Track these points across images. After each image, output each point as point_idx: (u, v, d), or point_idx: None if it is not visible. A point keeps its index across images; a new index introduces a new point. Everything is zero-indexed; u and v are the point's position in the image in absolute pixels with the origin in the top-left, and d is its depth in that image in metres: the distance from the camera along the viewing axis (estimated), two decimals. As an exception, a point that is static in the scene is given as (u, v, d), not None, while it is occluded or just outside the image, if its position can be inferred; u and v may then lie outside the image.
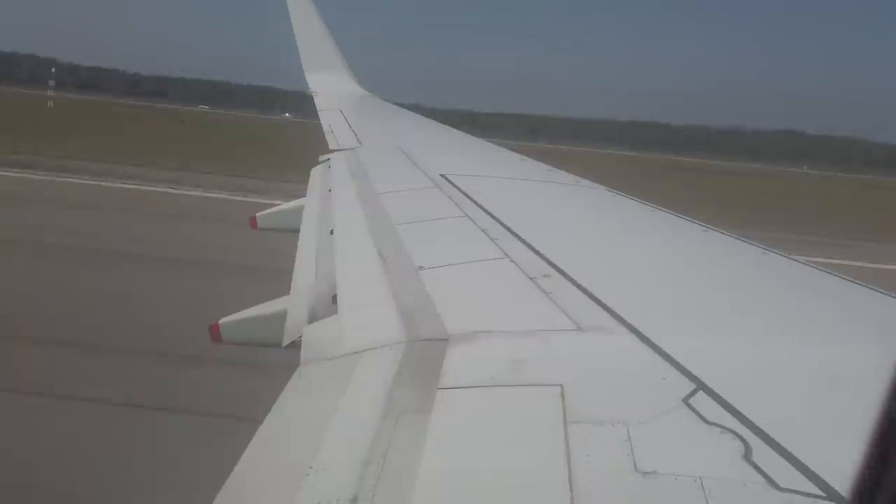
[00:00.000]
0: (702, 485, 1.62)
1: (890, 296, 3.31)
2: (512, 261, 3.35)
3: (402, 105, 17.09)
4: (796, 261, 3.91)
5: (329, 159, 7.73)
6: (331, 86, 14.30)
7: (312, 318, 3.23)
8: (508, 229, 3.92)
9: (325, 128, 9.90)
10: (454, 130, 11.70)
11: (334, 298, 3.31)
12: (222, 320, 3.95)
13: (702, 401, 1.99)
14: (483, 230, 3.92)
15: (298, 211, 6.13)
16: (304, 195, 6.60)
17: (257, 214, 7.33)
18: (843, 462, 1.74)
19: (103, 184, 31.74)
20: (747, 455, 1.73)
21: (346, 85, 15.00)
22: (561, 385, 2.10)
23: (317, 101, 13.04)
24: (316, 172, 7.47)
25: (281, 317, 3.51)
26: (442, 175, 5.64)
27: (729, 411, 1.93)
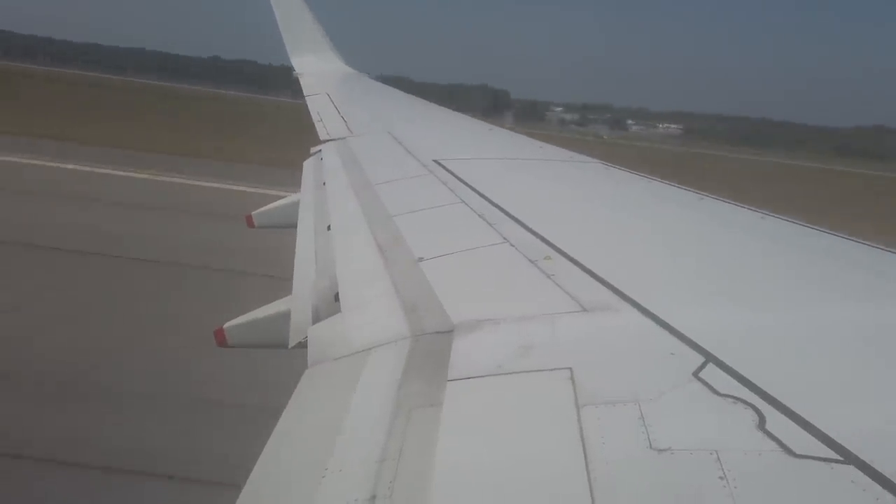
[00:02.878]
0: (718, 457, 1.62)
1: (891, 252, 3.30)
2: (512, 245, 3.33)
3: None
4: (796, 223, 3.89)
5: (321, 150, 7.68)
6: (316, 66, 14.00)
7: (316, 318, 3.22)
8: (506, 213, 3.90)
9: (314, 116, 9.72)
10: (443, 109, 11.53)
11: (337, 296, 3.30)
12: (227, 324, 3.95)
13: (712, 373, 1.99)
14: (480, 215, 3.90)
15: (294, 206, 6.10)
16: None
17: (253, 213, 7.29)
18: (858, 424, 1.75)
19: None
20: (761, 424, 1.73)
21: (331, 63, 14.58)
22: (570, 368, 2.10)
23: (303, 83, 12.80)
24: (308, 165, 7.41)
25: (285, 317, 3.50)
26: (435, 161, 5.60)
27: (740, 381, 1.93)
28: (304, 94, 11.80)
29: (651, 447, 1.68)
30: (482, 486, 1.71)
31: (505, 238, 3.44)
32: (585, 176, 5.77)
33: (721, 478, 1.56)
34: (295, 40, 14.58)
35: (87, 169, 30.16)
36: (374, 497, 1.73)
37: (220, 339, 3.96)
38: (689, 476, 1.60)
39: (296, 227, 5.22)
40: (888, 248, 3.31)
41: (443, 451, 1.80)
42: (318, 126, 9.03)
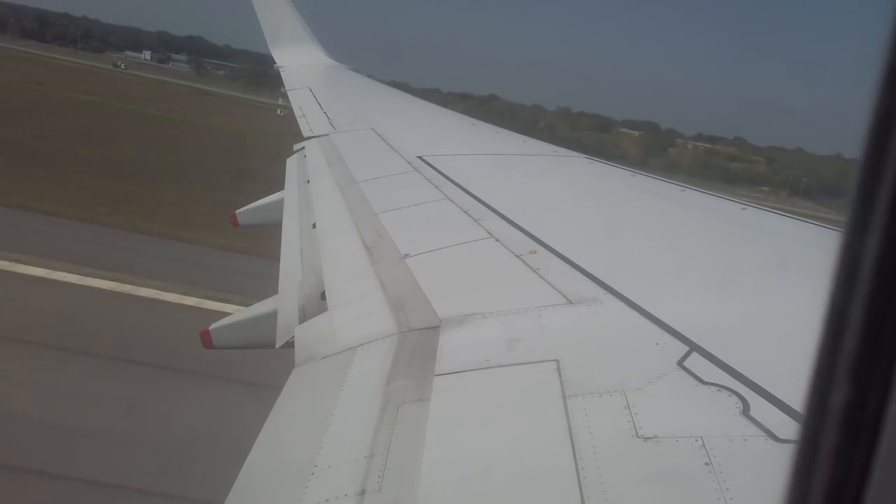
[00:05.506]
0: (703, 444, 1.64)
1: None
2: (497, 240, 3.35)
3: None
4: (777, 213, 3.94)
5: (304, 148, 7.63)
6: (297, 58, 13.44)
7: (303, 317, 3.22)
8: (490, 208, 3.91)
9: (296, 111, 9.58)
10: (425, 104, 11.43)
11: (323, 295, 3.30)
12: (213, 326, 3.93)
13: (696, 362, 2.02)
14: (465, 211, 3.91)
15: (279, 204, 6.08)
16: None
17: (237, 212, 7.24)
18: None
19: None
20: (745, 411, 1.76)
21: (313, 55, 14.18)
22: (556, 360, 2.12)
23: (284, 77, 12.58)
24: (292, 162, 7.35)
25: (271, 317, 3.50)
26: (419, 157, 5.59)
27: (724, 369, 1.96)
28: (286, 87, 11.67)
29: (637, 435, 1.71)
30: (470, 478, 1.73)
31: (490, 233, 3.46)
32: (569, 170, 5.79)
33: (707, 464, 1.58)
34: (274, 31, 14.19)
35: None
36: (363, 492, 1.74)
37: (206, 340, 3.94)
38: (675, 463, 1.62)
39: (280, 225, 5.20)
40: None
41: (431, 445, 1.81)
42: (301, 122, 8.93)
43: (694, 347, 2.10)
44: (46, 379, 10.99)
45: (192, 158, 33.10)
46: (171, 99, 60.92)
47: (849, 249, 0.50)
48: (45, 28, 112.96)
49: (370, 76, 14.83)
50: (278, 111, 62.85)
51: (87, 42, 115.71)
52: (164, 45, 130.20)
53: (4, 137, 29.09)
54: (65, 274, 15.43)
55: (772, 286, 2.75)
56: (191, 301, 15.11)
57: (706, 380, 1.91)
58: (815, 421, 0.52)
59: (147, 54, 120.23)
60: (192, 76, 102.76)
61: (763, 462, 1.59)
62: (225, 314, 4.24)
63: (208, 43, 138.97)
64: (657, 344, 2.15)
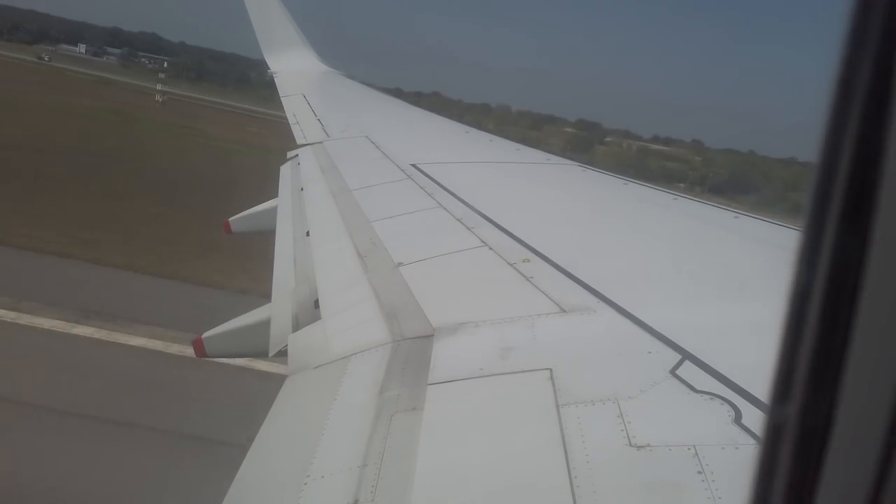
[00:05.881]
0: (696, 452, 1.65)
1: None
2: (490, 248, 3.35)
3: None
4: (769, 222, 3.96)
5: (297, 155, 7.62)
6: (291, 64, 13.42)
7: (296, 326, 3.22)
8: (484, 216, 3.92)
9: (290, 118, 9.54)
10: (419, 111, 11.41)
11: (316, 303, 3.30)
12: (205, 334, 3.91)
13: (689, 370, 2.03)
14: (459, 219, 3.92)
15: (272, 212, 6.07)
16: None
17: (231, 219, 7.23)
18: None
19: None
20: (737, 419, 1.77)
21: (307, 61, 14.14)
22: (550, 369, 2.12)
23: (278, 83, 12.52)
24: (286, 170, 7.34)
25: (265, 326, 3.49)
26: (413, 165, 5.60)
27: (716, 378, 1.97)
28: (280, 94, 11.65)
29: (630, 444, 1.71)
30: (463, 488, 1.73)
31: (483, 241, 3.46)
32: (562, 178, 5.81)
33: (699, 472, 1.59)
34: (268, 36, 14.13)
35: None
36: (356, 501, 1.74)
37: (199, 349, 3.93)
38: (668, 471, 1.63)
39: (274, 232, 5.20)
40: None
41: (424, 454, 1.82)
42: (295, 129, 8.90)
43: (686, 356, 2.11)
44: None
45: None
46: (41, 83, 58.32)
47: (801, 273, 0.55)
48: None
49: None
50: (157, 97, 64.85)
51: (14, 33, 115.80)
52: (112, 41, 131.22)
53: None
54: None
55: (764, 294, 2.76)
56: None
57: (698, 388, 1.92)
58: (775, 428, 0.57)
59: (82, 48, 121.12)
60: (116, 69, 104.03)
61: None
62: None
63: (162, 39, 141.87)
64: (650, 352, 2.16)
